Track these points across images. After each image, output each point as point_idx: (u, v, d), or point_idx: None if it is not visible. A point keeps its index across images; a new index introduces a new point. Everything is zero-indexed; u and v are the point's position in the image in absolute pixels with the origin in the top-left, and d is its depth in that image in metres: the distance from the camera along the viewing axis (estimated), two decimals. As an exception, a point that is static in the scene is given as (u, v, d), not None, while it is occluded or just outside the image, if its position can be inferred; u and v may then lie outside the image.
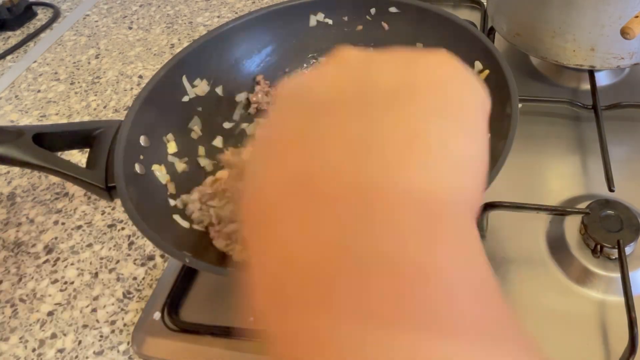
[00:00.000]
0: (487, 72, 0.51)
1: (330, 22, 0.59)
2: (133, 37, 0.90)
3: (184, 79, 0.53)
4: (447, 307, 0.17)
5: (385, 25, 0.58)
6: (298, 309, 0.17)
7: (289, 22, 0.58)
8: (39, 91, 0.82)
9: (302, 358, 0.16)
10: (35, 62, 0.88)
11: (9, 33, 0.96)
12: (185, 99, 0.53)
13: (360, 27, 0.59)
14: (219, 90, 0.56)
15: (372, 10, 0.58)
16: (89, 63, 0.86)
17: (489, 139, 0.46)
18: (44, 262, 0.57)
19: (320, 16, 0.59)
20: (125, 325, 0.51)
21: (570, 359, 0.42)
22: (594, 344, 0.43)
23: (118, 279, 0.55)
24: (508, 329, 0.20)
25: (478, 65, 0.51)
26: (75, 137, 0.48)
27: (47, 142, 0.47)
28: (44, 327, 0.52)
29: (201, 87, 0.54)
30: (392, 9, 0.57)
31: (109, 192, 0.44)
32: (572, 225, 0.49)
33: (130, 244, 0.58)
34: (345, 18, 0.59)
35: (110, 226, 0.60)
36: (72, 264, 0.57)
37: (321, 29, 0.59)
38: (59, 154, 0.47)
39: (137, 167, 0.46)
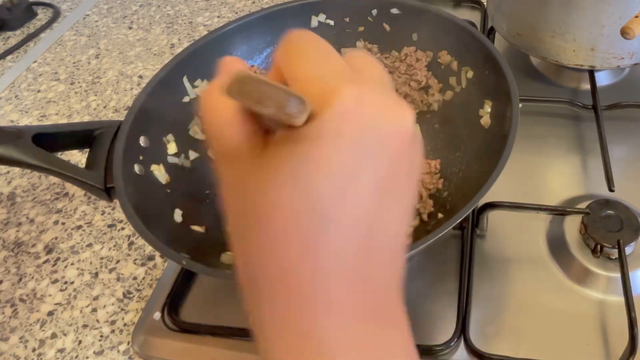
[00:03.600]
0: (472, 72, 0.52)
1: (331, 23, 0.59)
2: (133, 37, 0.90)
3: (185, 80, 0.53)
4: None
5: (387, 27, 0.58)
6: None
7: (290, 23, 0.58)
8: (39, 91, 0.82)
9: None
10: (35, 62, 0.88)
11: (9, 33, 0.96)
12: (186, 99, 0.53)
13: (361, 28, 0.59)
14: None
15: (374, 12, 0.58)
16: (89, 63, 0.86)
17: (491, 139, 0.45)
18: (44, 262, 0.57)
19: (322, 17, 0.59)
20: (125, 325, 0.51)
21: (570, 359, 0.42)
22: (594, 344, 0.43)
23: (118, 279, 0.55)
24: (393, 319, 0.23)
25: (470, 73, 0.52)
26: (75, 137, 0.48)
27: (46, 142, 0.47)
28: (44, 327, 0.52)
29: (202, 87, 0.54)
30: (394, 10, 0.57)
31: (108, 192, 0.44)
32: (572, 225, 0.49)
33: (130, 244, 0.58)
34: (347, 19, 0.59)
35: (110, 226, 0.60)
36: (72, 264, 0.57)
37: (322, 30, 0.59)
38: (58, 154, 0.47)
39: (137, 168, 0.46)
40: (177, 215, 0.47)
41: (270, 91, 0.19)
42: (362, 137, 0.20)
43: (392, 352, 0.22)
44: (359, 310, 0.21)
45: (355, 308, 0.21)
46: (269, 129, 0.22)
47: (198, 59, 0.54)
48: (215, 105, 0.22)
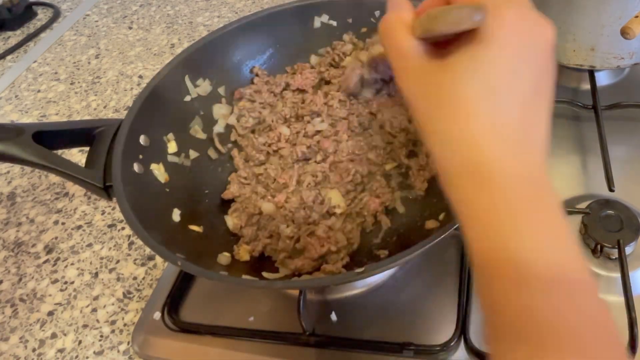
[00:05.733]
0: None
1: (334, 23, 0.59)
2: (133, 37, 0.90)
3: (187, 79, 0.53)
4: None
5: None
6: None
7: (293, 24, 0.58)
8: (39, 91, 0.82)
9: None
10: (35, 62, 0.88)
11: (9, 33, 0.96)
12: (187, 98, 0.53)
13: (364, 30, 0.59)
14: (221, 90, 0.56)
15: (377, 13, 0.58)
16: (89, 63, 0.86)
17: None
18: (44, 262, 0.57)
19: (325, 18, 0.58)
20: (125, 325, 0.51)
21: (570, 359, 0.42)
22: (594, 344, 0.43)
23: (118, 279, 0.55)
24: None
25: None
26: (76, 135, 0.48)
27: (47, 140, 0.46)
28: (44, 327, 0.52)
29: (204, 87, 0.54)
30: None
31: (107, 191, 0.44)
32: (572, 225, 0.49)
33: (130, 243, 0.58)
34: (350, 20, 0.59)
35: (110, 226, 0.60)
36: (72, 264, 0.57)
37: (325, 30, 0.59)
38: (59, 152, 0.47)
39: (136, 167, 0.46)
40: (175, 215, 0.47)
41: (456, 15, 0.26)
42: (522, 44, 0.27)
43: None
44: (522, 181, 0.27)
45: (521, 176, 0.27)
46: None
47: (200, 59, 0.54)
48: (395, 34, 0.30)
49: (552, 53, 0.28)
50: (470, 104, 0.27)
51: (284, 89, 0.57)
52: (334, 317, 0.46)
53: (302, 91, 0.56)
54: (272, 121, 0.54)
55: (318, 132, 0.53)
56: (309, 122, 0.53)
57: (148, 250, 0.57)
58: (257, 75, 0.58)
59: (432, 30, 0.27)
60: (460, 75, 0.27)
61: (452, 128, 0.28)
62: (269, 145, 0.53)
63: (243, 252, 0.48)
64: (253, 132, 0.55)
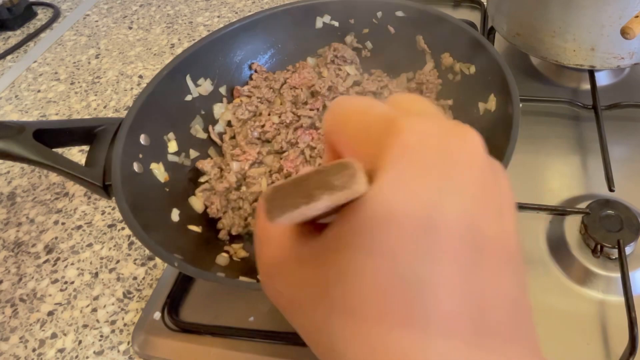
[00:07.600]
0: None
1: (336, 24, 0.59)
2: (133, 37, 0.90)
3: (188, 78, 0.53)
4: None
5: (391, 29, 0.58)
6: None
7: (295, 24, 0.58)
8: (39, 91, 0.82)
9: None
10: (35, 62, 0.88)
11: (9, 33, 0.96)
12: (188, 98, 0.53)
13: (366, 30, 0.59)
14: (222, 89, 0.56)
15: (379, 14, 0.58)
16: (89, 63, 0.86)
17: (492, 142, 0.44)
18: (44, 262, 0.57)
19: (327, 18, 0.59)
20: (125, 325, 0.51)
21: (570, 359, 0.42)
22: (594, 344, 0.43)
23: (118, 279, 0.54)
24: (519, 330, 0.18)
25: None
26: (76, 133, 0.48)
27: (47, 138, 0.47)
28: (44, 327, 0.52)
29: (205, 86, 0.55)
30: (399, 13, 0.57)
31: (107, 190, 0.44)
32: (572, 225, 0.49)
33: (131, 243, 0.58)
34: (352, 21, 0.59)
35: (110, 226, 0.60)
36: (72, 264, 0.57)
37: (327, 31, 0.59)
38: (59, 151, 0.47)
39: (136, 166, 0.46)
40: (175, 215, 0.47)
41: (312, 183, 0.16)
42: (433, 176, 0.17)
43: None
44: None
45: None
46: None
47: (201, 58, 0.54)
48: (263, 234, 0.21)
49: (489, 171, 0.18)
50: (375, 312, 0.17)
51: (283, 84, 0.57)
52: (334, 317, 0.46)
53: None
54: (269, 114, 0.54)
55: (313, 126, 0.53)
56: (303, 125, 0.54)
57: (148, 250, 0.57)
58: (255, 71, 0.58)
59: (283, 219, 0.17)
60: (352, 257, 0.17)
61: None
62: (259, 137, 0.53)
63: (238, 250, 0.48)
64: (246, 123, 0.55)
